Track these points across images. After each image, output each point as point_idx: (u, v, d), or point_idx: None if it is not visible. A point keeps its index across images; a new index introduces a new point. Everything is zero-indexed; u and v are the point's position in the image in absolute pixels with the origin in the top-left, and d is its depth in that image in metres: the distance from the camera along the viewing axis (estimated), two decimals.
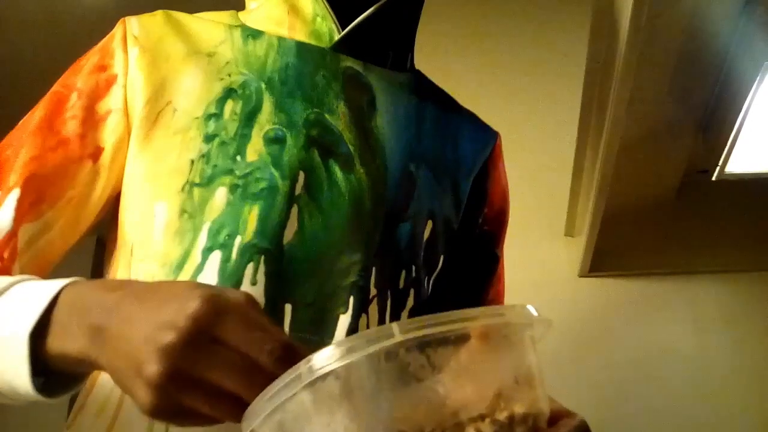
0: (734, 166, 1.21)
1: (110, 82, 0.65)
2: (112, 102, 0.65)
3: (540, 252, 1.52)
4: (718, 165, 1.21)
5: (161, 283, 0.45)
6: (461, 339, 0.37)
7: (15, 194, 0.60)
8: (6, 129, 0.67)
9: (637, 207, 1.39)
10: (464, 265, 0.79)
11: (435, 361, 0.36)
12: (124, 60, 0.66)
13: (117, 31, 0.68)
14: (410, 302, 0.68)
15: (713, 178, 1.25)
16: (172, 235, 0.60)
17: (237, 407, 0.39)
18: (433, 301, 0.75)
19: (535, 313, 0.40)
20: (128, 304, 0.43)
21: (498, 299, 0.86)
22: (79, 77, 0.66)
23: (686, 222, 1.46)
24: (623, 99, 1.00)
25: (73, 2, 1.94)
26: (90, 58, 0.67)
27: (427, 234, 0.71)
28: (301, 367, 0.36)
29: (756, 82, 1.04)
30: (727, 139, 1.15)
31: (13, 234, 0.59)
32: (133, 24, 0.68)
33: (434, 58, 1.73)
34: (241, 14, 0.74)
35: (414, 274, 0.68)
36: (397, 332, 0.35)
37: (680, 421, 1.34)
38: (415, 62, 0.80)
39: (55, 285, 0.47)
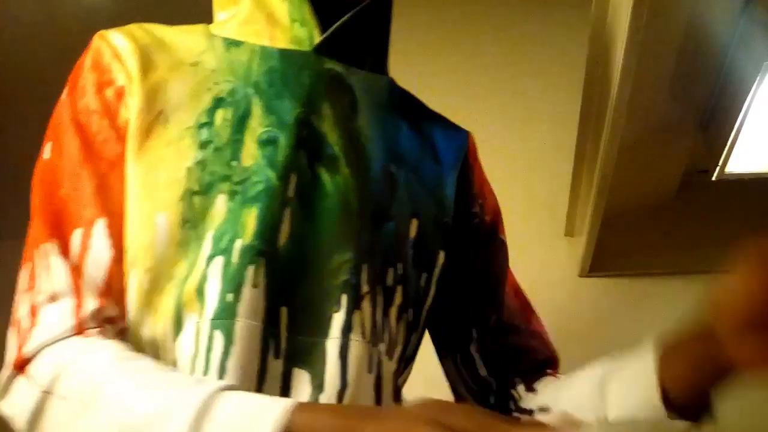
0: (734, 166, 1.21)
1: (120, 94, 0.66)
2: (126, 112, 0.65)
3: (540, 252, 1.52)
4: (718, 165, 1.21)
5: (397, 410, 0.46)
6: None
7: (102, 223, 0.61)
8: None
9: (637, 207, 1.39)
10: (474, 259, 0.82)
11: None
12: (123, 70, 0.66)
13: (100, 46, 0.68)
14: (398, 299, 0.69)
15: (713, 178, 1.25)
16: (176, 246, 0.60)
17: None
18: (446, 298, 0.78)
19: None
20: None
21: (520, 292, 0.87)
22: (88, 100, 0.66)
23: (686, 222, 1.46)
24: (623, 99, 1.00)
25: (72, 2, 1.94)
26: (87, 78, 0.67)
27: (413, 233, 0.72)
28: None
29: (756, 82, 1.03)
30: (727, 139, 1.15)
31: (116, 259, 0.60)
32: (114, 36, 0.68)
33: (433, 57, 1.73)
34: (212, 28, 0.74)
35: (401, 272, 0.69)
36: None
37: None
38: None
39: (274, 409, 0.46)
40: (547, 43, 1.72)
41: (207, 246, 0.60)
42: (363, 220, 0.67)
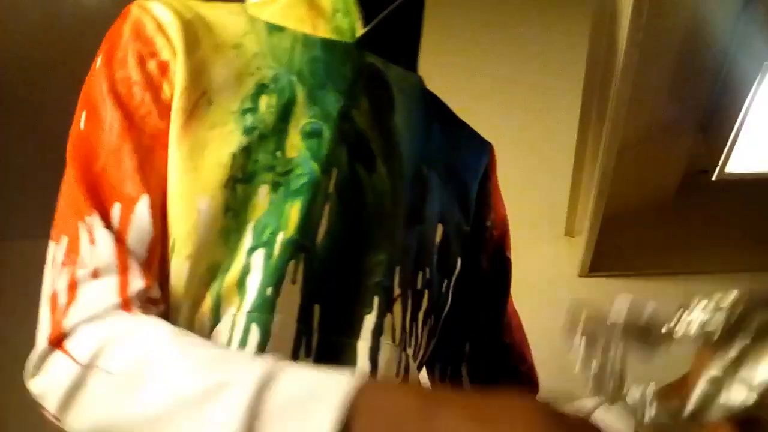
0: (734, 166, 1.21)
1: (164, 68, 0.62)
2: (171, 88, 0.62)
3: (540, 252, 1.52)
4: (718, 165, 1.21)
5: (488, 397, 0.40)
6: None
7: (145, 200, 0.58)
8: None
9: (637, 207, 1.40)
10: (482, 272, 0.81)
11: None
12: (168, 45, 0.63)
13: (141, 16, 0.64)
14: (425, 304, 0.68)
15: (713, 178, 1.25)
16: (217, 234, 0.58)
17: None
18: (456, 306, 0.75)
19: None
20: (452, 417, 0.38)
21: (517, 315, 0.86)
22: (129, 70, 0.62)
23: (686, 222, 1.46)
24: (623, 99, 1.00)
25: (72, 2, 1.94)
26: (127, 48, 0.63)
27: (438, 237, 0.71)
28: None
29: (756, 82, 1.04)
30: (727, 139, 1.15)
31: (158, 239, 0.57)
32: (155, 7, 0.64)
33: (433, 58, 1.73)
34: (250, 9, 0.71)
35: (428, 276, 0.69)
36: None
37: None
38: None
39: (339, 387, 0.41)
40: (547, 44, 1.72)
41: (248, 237, 0.59)
42: (397, 221, 0.65)
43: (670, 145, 1.26)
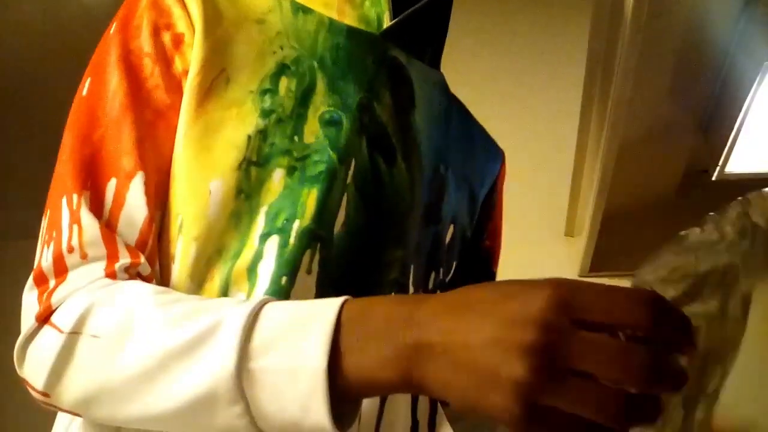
0: (734, 166, 1.21)
1: (178, 41, 0.61)
2: (184, 62, 0.60)
3: (540, 252, 1.52)
4: (718, 165, 1.21)
5: (473, 289, 0.40)
6: None
7: (140, 178, 0.56)
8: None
9: (637, 207, 1.40)
10: (465, 279, 0.79)
11: None
12: (185, 17, 0.61)
13: None
14: None
15: (713, 178, 1.25)
16: (228, 217, 0.57)
17: (616, 398, 0.34)
18: None
19: None
20: (445, 313, 0.39)
21: None
22: (142, 40, 0.60)
23: (686, 222, 1.46)
24: (623, 99, 1.01)
25: (73, 2, 1.94)
26: (142, 17, 0.61)
27: (448, 238, 0.71)
28: None
29: (756, 82, 1.04)
30: (727, 139, 1.15)
31: (152, 219, 0.56)
32: None
33: None
34: None
35: (440, 277, 0.68)
36: None
37: None
38: None
39: (326, 307, 0.42)
40: (547, 45, 1.72)
41: (260, 222, 0.57)
42: (414, 218, 0.64)
43: (670, 145, 1.26)
